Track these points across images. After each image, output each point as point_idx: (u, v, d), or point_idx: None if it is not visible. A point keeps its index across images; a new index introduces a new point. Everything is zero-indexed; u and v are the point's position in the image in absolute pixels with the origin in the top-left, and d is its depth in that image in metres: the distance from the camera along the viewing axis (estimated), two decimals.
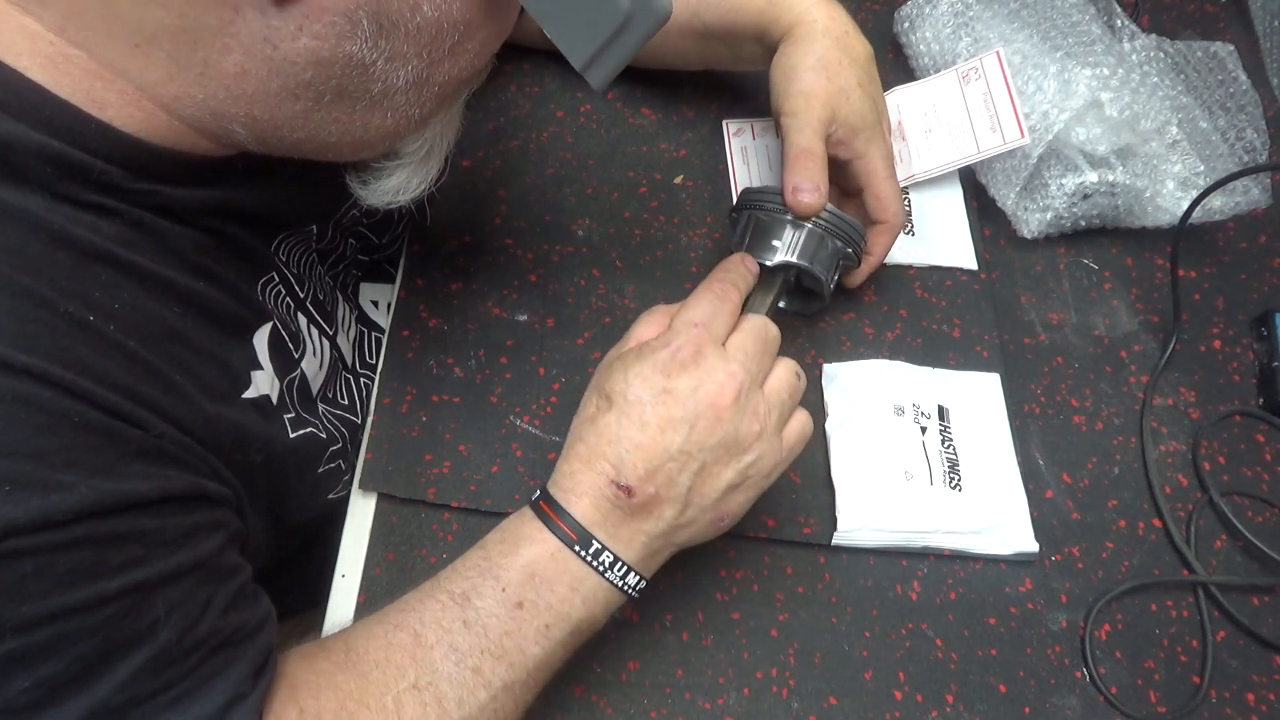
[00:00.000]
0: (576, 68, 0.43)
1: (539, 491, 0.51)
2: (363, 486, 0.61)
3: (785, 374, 0.52)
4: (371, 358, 0.69)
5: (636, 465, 0.48)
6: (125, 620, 0.39)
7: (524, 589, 0.48)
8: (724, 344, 0.50)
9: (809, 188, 0.60)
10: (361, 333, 0.69)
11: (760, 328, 0.52)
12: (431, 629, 0.47)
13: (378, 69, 0.41)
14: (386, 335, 0.67)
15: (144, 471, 0.39)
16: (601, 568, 0.48)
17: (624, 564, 0.49)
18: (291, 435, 0.54)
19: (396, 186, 0.50)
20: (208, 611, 0.42)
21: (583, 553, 0.48)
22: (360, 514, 0.61)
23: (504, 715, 0.47)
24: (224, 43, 0.38)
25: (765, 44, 0.66)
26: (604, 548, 0.48)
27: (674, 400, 0.48)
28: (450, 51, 0.42)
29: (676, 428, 0.48)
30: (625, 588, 0.49)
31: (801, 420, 0.53)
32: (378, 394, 0.64)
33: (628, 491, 0.48)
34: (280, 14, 0.37)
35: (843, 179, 0.66)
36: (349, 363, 0.66)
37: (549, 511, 0.49)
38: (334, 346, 0.63)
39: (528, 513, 0.51)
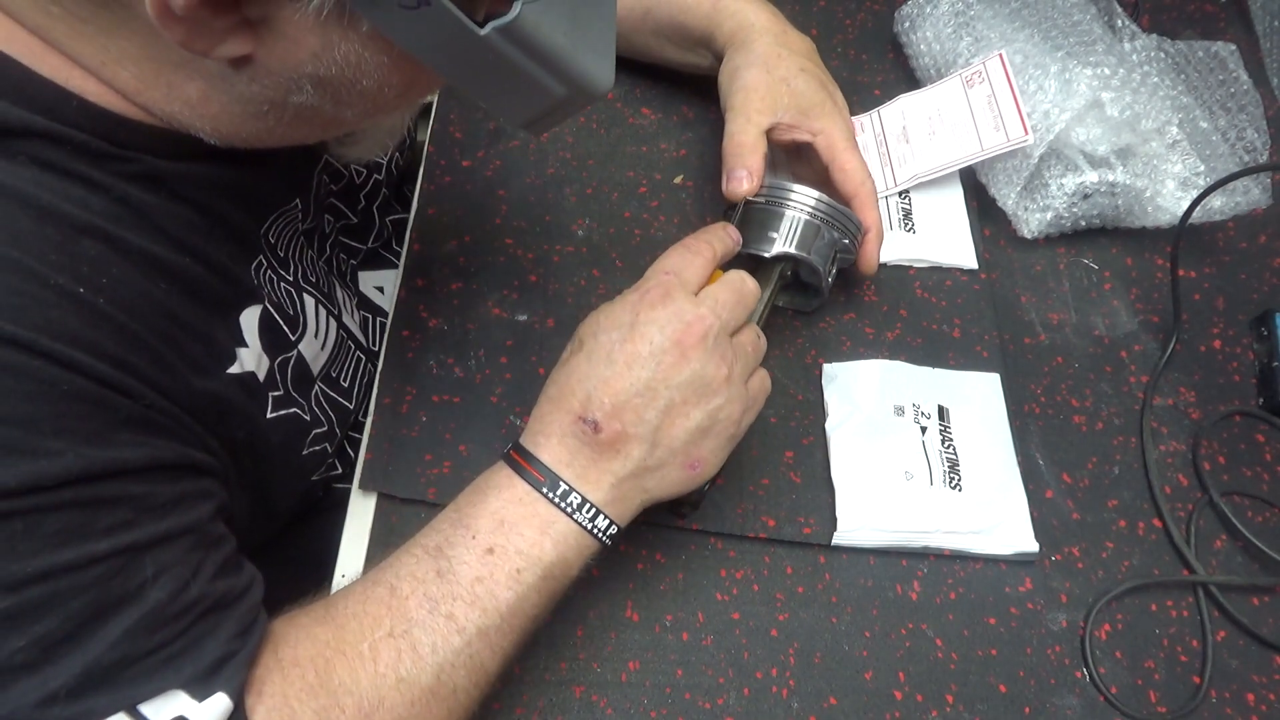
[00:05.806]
0: (513, 127, 0.45)
1: (511, 443, 0.52)
2: (363, 486, 0.61)
3: (750, 333, 0.54)
4: (373, 344, 0.70)
5: (603, 400, 0.49)
6: (115, 580, 0.40)
7: (494, 535, 0.49)
8: (696, 293, 0.52)
9: (741, 175, 0.63)
10: (365, 318, 0.70)
11: (737, 280, 0.53)
12: (406, 580, 0.48)
13: (326, 111, 0.43)
14: (386, 335, 0.67)
15: (133, 439, 0.41)
16: (570, 509, 0.49)
17: (592, 505, 0.49)
18: (270, 415, 0.54)
19: (360, 153, 0.55)
20: (198, 576, 0.43)
21: (550, 495, 0.49)
22: (360, 514, 0.61)
23: (480, 660, 0.48)
24: (186, 73, 0.41)
25: (712, 50, 0.69)
26: (571, 489, 0.49)
27: (640, 337, 0.50)
28: (393, 100, 0.44)
29: (643, 363, 0.49)
30: (596, 531, 0.50)
31: (763, 375, 0.54)
32: (378, 394, 0.64)
33: (594, 427, 0.49)
34: (234, 71, 0.40)
35: (810, 164, 0.67)
36: (361, 343, 0.67)
37: (518, 458, 0.50)
38: (341, 326, 0.64)
39: (499, 464, 0.52)
